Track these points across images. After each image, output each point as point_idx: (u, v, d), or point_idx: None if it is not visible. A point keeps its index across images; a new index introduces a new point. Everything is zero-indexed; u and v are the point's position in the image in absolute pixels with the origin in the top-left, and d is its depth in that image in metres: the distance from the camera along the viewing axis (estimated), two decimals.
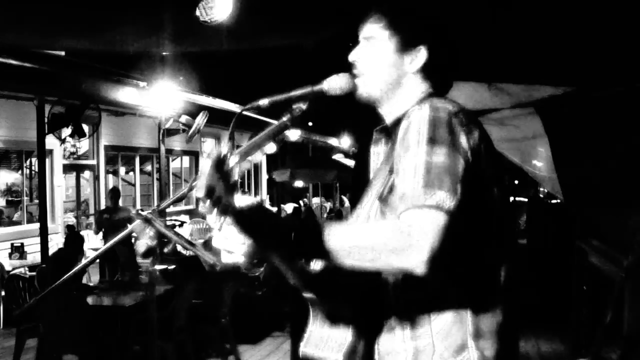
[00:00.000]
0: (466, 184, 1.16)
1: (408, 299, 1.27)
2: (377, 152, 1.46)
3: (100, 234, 7.98)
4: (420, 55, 1.36)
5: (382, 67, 1.38)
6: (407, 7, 1.40)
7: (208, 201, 1.06)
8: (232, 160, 1.10)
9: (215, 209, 1.08)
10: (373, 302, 1.31)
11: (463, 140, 1.20)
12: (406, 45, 1.36)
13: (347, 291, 1.29)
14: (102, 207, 10.56)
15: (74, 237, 7.26)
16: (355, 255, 1.14)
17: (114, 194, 8.21)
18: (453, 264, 1.21)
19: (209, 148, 15.70)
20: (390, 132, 1.40)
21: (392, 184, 1.26)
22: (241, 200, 1.11)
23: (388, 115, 1.42)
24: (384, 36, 1.38)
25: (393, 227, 1.14)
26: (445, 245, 1.10)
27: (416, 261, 1.09)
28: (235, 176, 1.11)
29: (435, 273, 1.13)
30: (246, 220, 1.12)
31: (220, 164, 1.07)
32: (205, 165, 1.06)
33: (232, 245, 1.15)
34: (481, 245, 1.26)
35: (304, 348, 1.31)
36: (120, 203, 8.28)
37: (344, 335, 1.28)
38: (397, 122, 1.33)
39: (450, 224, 1.11)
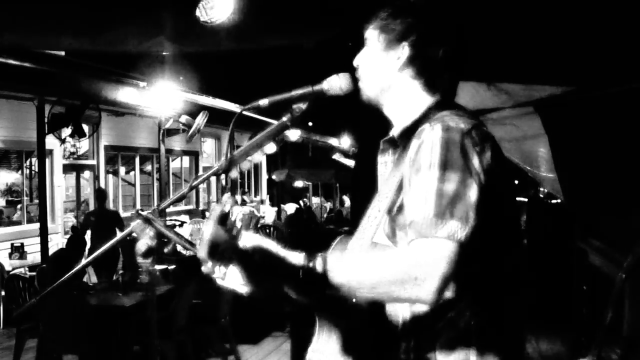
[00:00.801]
0: (479, 209, 1.14)
1: (413, 315, 1.27)
2: (385, 161, 1.45)
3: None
4: (404, 52, 1.35)
5: (373, 67, 1.39)
6: (396, 7, 1.39)
7: (211, 261, 1.06)
8: (236, 211, 1.10)
9: (219, 263, 1.08)
10: (382, 318, 1.30)
11: (476, 162, 1.18)
12: (391, 43, 1.36)
13: (354, 311, 1.29)
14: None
15: (76, 240, 7.24)
16: (365, 290, 1.13)
17: (99, 194, 8.02)
18: (463, 289, 1.21)
19: (209, 148, 15.71)
20: (397, 142, 1.38)
21: (401, 203, 1.25)
22: (245, 240, 1.11)
23: (393, 119, 1.41)
24: (374, 37, 1.39)
25: (403, 258, 1.13)
26: (456, 275, 1.09)
27: (426, 293, 1.08)
28: (238, 224, 1.10)
29: (445, 301, 1.13)
30: (250, 264, 1.11)
31: (223, 221, 1.07)
32: (208, 228, 1.06)
33: (237, 286, 1.15)
34: (486, 264, 1.25)
35: (310, 356, 1.32)
36: (113, 204, 8.17)
37: (349, 350, 1.28)
38: (405, 133, 1.32)
39: (461, 254, 1.09)
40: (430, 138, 1.20)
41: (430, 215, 1.12)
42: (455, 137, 1.19)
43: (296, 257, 1.15)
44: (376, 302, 1.29)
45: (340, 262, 1.15)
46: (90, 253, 7.35)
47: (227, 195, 1.13)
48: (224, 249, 1.07)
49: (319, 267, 1.13)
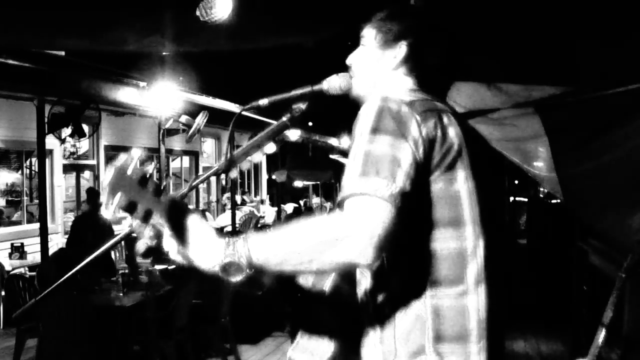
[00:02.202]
0: (413, 174, 1.11)
1: (375, 302, 1.25)
2: None
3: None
4: (401, 51, 1.35)
5: (368, 65, 1.39)
6: (394, 8, 1.40)
7: (114, 201, 1.04)
8: (149, 167, 1.08)
9: (134, 217, 1.06)
10: (353, 310, 1.30)
11: (414, 129, 1.15)
12: (388, 42, 1.36)
13: (332, 302, 1.29)
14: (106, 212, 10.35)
15: (78, 240, 7.20)
16: (293, 262, 1.08)
17: (90, 195, 7.49)
18: (406, 263, 1.18)
19: (209, 148, 15.71)
20: None
21: None
22: (172, 206, 1.09)
23: None
24: (371, 35, 1.39)
25: (326, 220, 1.10)
26: (389, 236, 1.05)
27: (356, 251, 1.04)
28: (162, 184, 1.10)
29: (389, 275, 1.10)
30: (176, 228, 1.10)
31: (123, 169, 1.05)
32: (109, 172, 1.05)
33: (171, 246, 1.13)
34: (438, 243, 1.20)
35: (291, 353, 1.32)
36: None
37: (327, 344, 1.28)
38: None
39: (389, 213, 1.06)
40: (367, 108, 1.19)
41: (356, 175, 1.10)
42: (391, 105, 1.18)
43: (216, 244, 1.12)
44: (349, 295, 1.28)
45: (263, 237, 1.11)
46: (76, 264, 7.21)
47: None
48: (134, 202, 1.05)
49: (240, 249, 1.10)
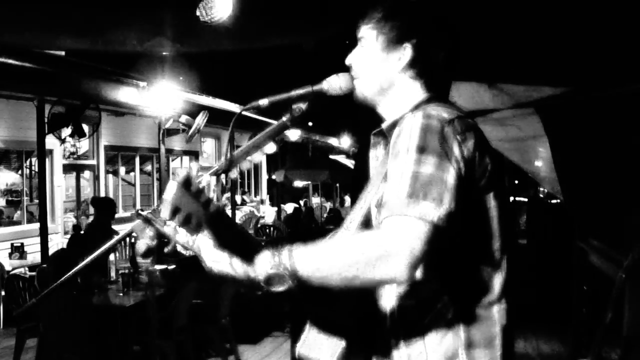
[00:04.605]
0: (456, 194, 1.13)
1: (401, 306, 1.26)
2: (376, 155, 1.45)
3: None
4: (406, 53, 1.34)
5: (372, 67, 1.38)
6: (392, 6, 1.38)
7: (174, 221, 1.06)
8: (204, 179, 1.11)
9: (185, 228, 1.08)
10: (368, 309, 1.30)
11: (456, 149, 1.17)
12: (391, 44, 1.35)
13: (342, 298, 1.29)
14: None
15: (79, 239, 7.18)
16: (336, 275, 1.11)
17: (99, 205, 6.92)
18: (443, 274, 1.20)
19: (209, 148, 15.72)
20: (386, 135, 1.38)
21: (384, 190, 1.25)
22: (215, 210, 1.11)
23: (385, 117, 1.41)
24: (372, 36, 1.37)
25: (372, 237, 1.12)
26: (429, 255, 1.08)
27: (396, 270, 1.07)
28: (210, 193, 1.11)
29: (422, 282, 1.13)
30: (220, 235, 1.13)
31: (187, 184, 1.06)
32: (171, 187, 1.05)
33: (215, 255, 1.17)
34: (473, 256, 1.25)
35: (299, 349, 1.32)
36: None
37: (338, 340, 1.28)
38: (393, 126, 1.32)
39: (434, 235, 1.08)
40: (410, 125, 1.20)
41: (404, 196, 1.11)
42: (435, 123, 1.18)
43: (262, 254, 1.14)
44: (364, 296, 1.28)
45: (308, 250, 1.13)
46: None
47: (194, 162, 1.14)
48: (190, 214, 1.07)
49: (285, 261, 1.12)
